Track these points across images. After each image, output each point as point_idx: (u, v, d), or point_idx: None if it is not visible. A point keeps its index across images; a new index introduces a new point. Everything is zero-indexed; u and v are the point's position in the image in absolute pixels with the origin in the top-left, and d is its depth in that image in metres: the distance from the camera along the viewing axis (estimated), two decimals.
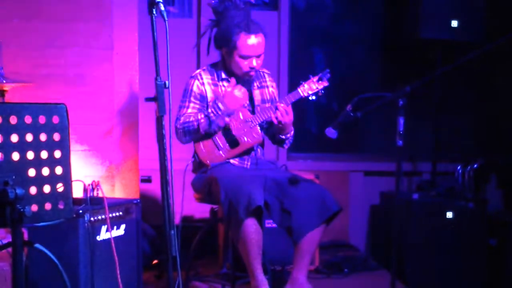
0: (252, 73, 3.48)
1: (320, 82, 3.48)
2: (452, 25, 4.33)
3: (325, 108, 5.19)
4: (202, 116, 3.40)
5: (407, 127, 3.04)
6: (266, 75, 3.67)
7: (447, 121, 4.66)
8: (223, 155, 3.47)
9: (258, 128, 3.49)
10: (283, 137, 3.55)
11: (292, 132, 3.59)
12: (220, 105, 3.40)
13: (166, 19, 2.45)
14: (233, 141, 3.46)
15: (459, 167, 4.61)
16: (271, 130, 3.56)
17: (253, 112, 3.54)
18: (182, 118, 3.44)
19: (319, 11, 5.26)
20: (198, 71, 3.56)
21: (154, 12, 2.46)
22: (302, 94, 3.47)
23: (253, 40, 3.39)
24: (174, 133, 3.44)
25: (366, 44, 5.28)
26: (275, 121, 3.40)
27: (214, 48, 3.55)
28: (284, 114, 3.38)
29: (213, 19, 3.53)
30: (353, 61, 5.28)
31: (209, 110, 3.40)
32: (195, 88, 3.48)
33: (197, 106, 3.47)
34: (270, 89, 3.65)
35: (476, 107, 5.08)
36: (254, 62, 3.43)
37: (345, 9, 5.27)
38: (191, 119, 3.42)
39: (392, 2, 5.01)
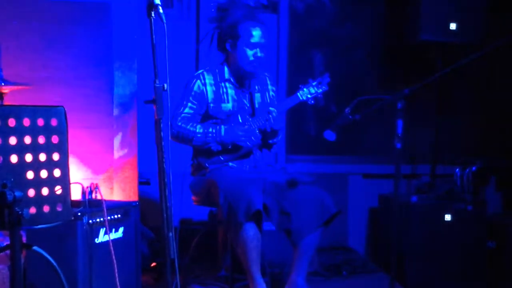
0: (257, 64, 3.48)
1: (319, 86, 3.49)
2: (451, 28, 4.34)
3: (323, 111, 5.19)
4: (200, 130, 3.40)
5: (405, 130, 3.03)
6: (267, 79, 3.69)
7: (446, 124, 4.65)
8: (222, 158, 3.47)
9: (257, 131, 3.49)
10: (271, 142, 3.57)
11: (280, 137, 3.61)
12: (223, 130, 3.40)
13: (165, 21, 2.46)
14: (232, 144, 3.46)
15: (458, 170, 4.60)
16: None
17: (253, 114, 3.54)
18: (179, 119, 3.44)
19: (319, 14, 5.25)
20: (201, 71, 3.57)
21: (153, 15, 2.46)
22: (301, 98, 3.48)
23: (258, 29, 3.45)
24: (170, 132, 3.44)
25: (366, 47, 5.28)
26: (268, 128, 3.41)
27: (216, 51, 3.58)
28: (275, 120, 3.40)
29: (216, 19, 3.55)
30: (352, 64, 5.27)
31: (210, 130, 3.40)
32: (195, 88, 3.49)
33: (195, 106, 3.48)
34: (271, 93, 3.66)
35: (475, 109, 5.07)
36: (259, 52, 3.45)
37: (345, 11, 5.26)
38: (188, 127, 3.41)
39: (391, 4, 5.01)
